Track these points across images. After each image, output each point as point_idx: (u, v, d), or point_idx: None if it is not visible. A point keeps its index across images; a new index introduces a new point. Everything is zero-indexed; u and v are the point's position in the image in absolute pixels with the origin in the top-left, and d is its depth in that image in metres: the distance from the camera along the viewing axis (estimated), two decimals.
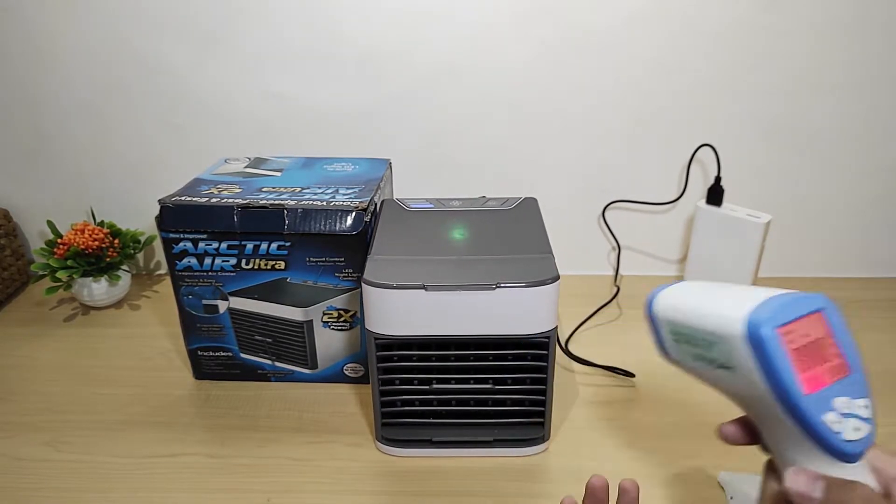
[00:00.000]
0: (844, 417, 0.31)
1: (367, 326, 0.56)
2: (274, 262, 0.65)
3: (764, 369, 0.31)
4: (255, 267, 0.65)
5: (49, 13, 0.81)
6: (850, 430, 0.31)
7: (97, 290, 0.85)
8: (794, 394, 0.30)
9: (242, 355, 0.71)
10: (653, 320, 0.38)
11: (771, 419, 0.32)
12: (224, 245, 0.64)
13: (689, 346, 0.36)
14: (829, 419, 0.31)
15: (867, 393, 0.32)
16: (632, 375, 0.69)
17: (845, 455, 0.31)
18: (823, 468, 0.31)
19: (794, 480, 0.32)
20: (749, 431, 0.36)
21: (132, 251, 0.89)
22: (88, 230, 0.84)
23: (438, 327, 0.55)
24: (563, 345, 0.76)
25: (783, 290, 0.33)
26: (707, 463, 0.59)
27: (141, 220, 0.91)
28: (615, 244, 0.93)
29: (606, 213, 0.91)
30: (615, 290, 0.89)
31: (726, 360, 0.33)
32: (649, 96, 0.84)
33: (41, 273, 0.82)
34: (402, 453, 0.61)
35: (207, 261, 0.65)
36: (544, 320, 0.55)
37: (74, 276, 0.82)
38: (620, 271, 0.94)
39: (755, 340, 0.31)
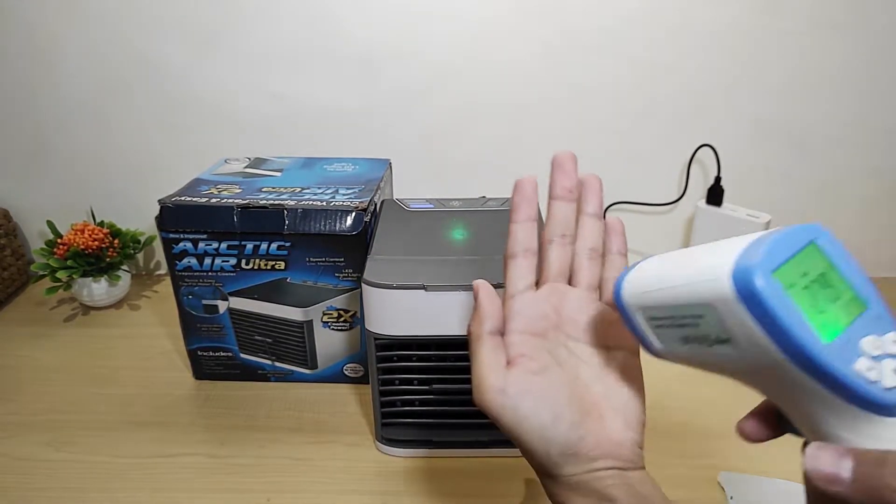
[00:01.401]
0: (878, 361, 0.25)
1: (366, 326, 0.56)
2: (274, 262, 0.65)
3: (768, 328, 0.25)
4: (255, 267, 0.65)
5: (49, 13, 0.81)
6: (890, 375, 0.25)
7: (97, 290, 0.85)
8: (812, 346, 0.24)
9: (242, 355, 0.71)
10: (625, 312, 0.33)
11: (794, 390, 0.26)
12: (224, 245, 0.64)
13: (673, 330, 0.30)
14: (862, 367, 0.25)
15: (894, 325, 0.26)
16: None
17: (893, 407, 0.25)
18: (871, 431, 0.25)
19: (814, 459, 0.25)
20: (771, 421, 0.30)
21: (132, 251, 0.89)
22: (88, 230, 0.84)
23: (438, 327, 0.55)
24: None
25: (763, 231, 0.28)
26: (707, 463, 0.59)
27: (141, 220, 0.91)
28: None
29: (607, 215, 0.91)
30: None
31: (721, 331, 0.27)
32: (649, 96, 0.84)
33: (41, 273, 0.82)
34: (402, 453, 0.61)
35: (207, 261, 0.65)
36: None
37: (74, 276, 0.82)
38: None
39: (748, 295, 0.25)
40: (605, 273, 0.40)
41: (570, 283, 0.40)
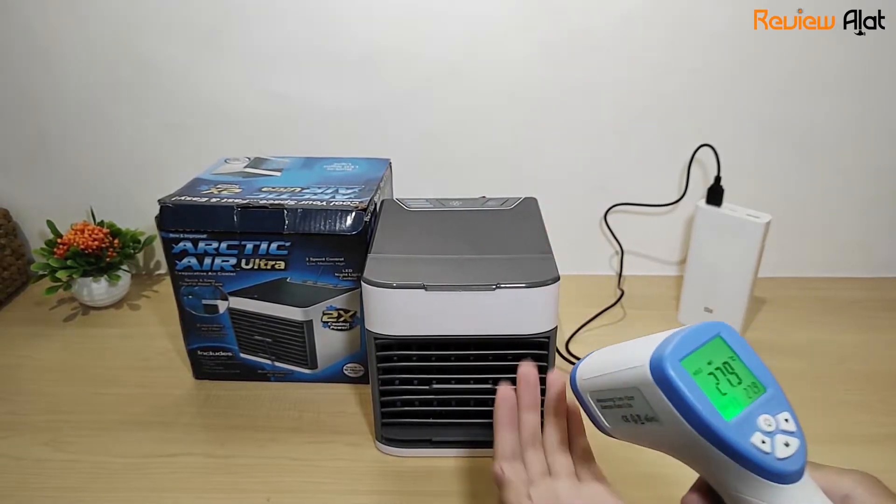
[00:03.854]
0: (771, 435, 0.30)
1: (367, 326, 0.56)
2: (274, 262, 0.65)
3: (678, 406, 0.30)
4: (255, 267, 0.65)
5: (49, 13, 0.81)
6: (780, 447, 0.30)
7: (97, 290, 0.85)
8: (716, 423, 0.29)
9: (242, 355, 0.71)
10: (578, 396, 0.38)
11: (710, 462, 0.31)
12: (224, 245, 0.64)
13: (615, 410, 0.35)
14: (757, 440, 0.30)
15: (787, 406, 0.31)
16: None
17: (784, 475, 0.30)
18: (774, 499, 0.30)
19: None
20: (707, 495, 0.34)
21: (132, 251, 0.89)
22: (88, 230, 0.84)
23: (438, 327, 0.55)
24: (564, 345, 0.76)
25: (680, 327, 0.32)
26: None
27: (141, 220, 0.91)
28: (618, 247, 0.93)
29: (608, 216, 0.91)
30: (619, 293, 0.89)
31: (648, 410, 0.32)
32: (649, 96, 0.84)
33: (41, 273, 0.82)
34: (402, 453, 0.61)
35: (207, 261, 0.65)
36: (544, 321, 0.55)
37: (74, 276, 0.82)
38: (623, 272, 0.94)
39: (661, 379, 0.30)
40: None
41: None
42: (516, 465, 0.43)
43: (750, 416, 0.30)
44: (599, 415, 0.37)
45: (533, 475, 0.43)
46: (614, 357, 0.35)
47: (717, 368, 0.31)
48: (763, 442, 0.30)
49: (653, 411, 0.32)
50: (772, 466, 0.29)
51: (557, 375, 0.46)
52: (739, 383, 0.31)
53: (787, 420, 0.31)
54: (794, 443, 0.30)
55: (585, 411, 0.38)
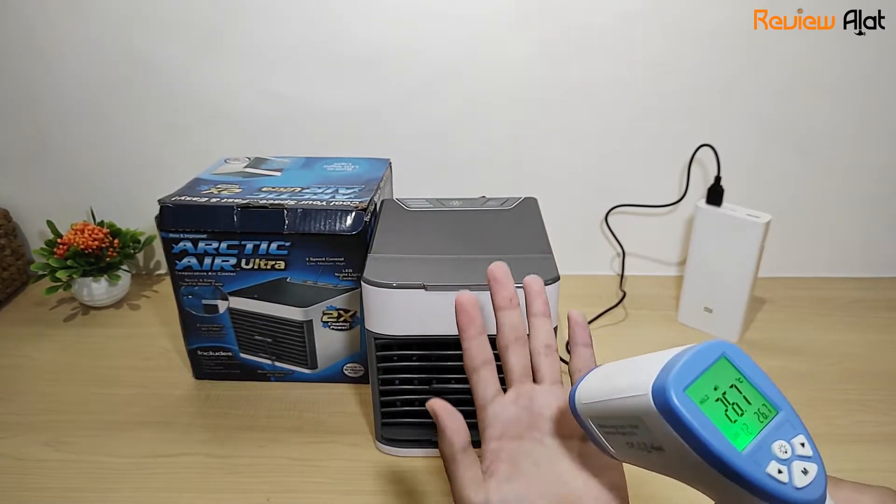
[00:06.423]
0: (787, 463, 0.28)
1: (366, 326, 0.56)
2: (274, 262, 0.65)
3: (686, 439, 0.28)
4: (255, 267, 0.65)
5: (49, 13, 0.81)
6: (798, 476, 0.28)
7: (97, 290, 0.85)
8: (728, 455, 0.27)
9: (242, 355, 0.71)
10: (579, 420, 0.35)
11: (724, 493, 0.29)
12: (224, 245, 0.64)
13: (619, 437, 0.33)
14: (773, 470, 0.27)
15: (802, 428, 0.29)
16: None
17: None
18: None
19: None
20: None
21: (132, 251, 0.89)
22: (88, 230, 0.84)
23: (438, 327, 0.55)
24: (564, 346, 0.76)
25: (682, 347, 0.30)
26: None
27: (141, 220, 0.91)
28: (619, 248, 0.93)
29: (609, 218, 0.91)
30: (621, 294, 0.89)
31: (653, 440, 0.30)
32: (649, 96, 0.84)
33: (41, 273, 0.82)
34: (402, 453, 0.61)
35: (207, 261, 0.65)
36: None
37: (74, 275, 0.82)
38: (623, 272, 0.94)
39: (666, 411, 0.28)
40: (572, 364, 0.42)
41: (534, 380, 0.41)
42: (489, 369, 0.40)
43: (763, 443, 0.28)
44: (603, 440, 0.34)
45: (512, 378, 0.40)
46: (614, 382, 0.32)
47: (724, 393, 0.29)
48: (780, 472, 0.27)
49: (658, 441, 0.30)
50: (791, 497, 0.27)
51: (534, 277, 0.43)
52: (750, 407, 0.29)
53: (803, 444, 0.29)
54: (813, 469, 0.28)
55: (587, 434, 0.35)
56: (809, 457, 0.29)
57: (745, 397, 0.29)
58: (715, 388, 0.29)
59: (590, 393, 0.34)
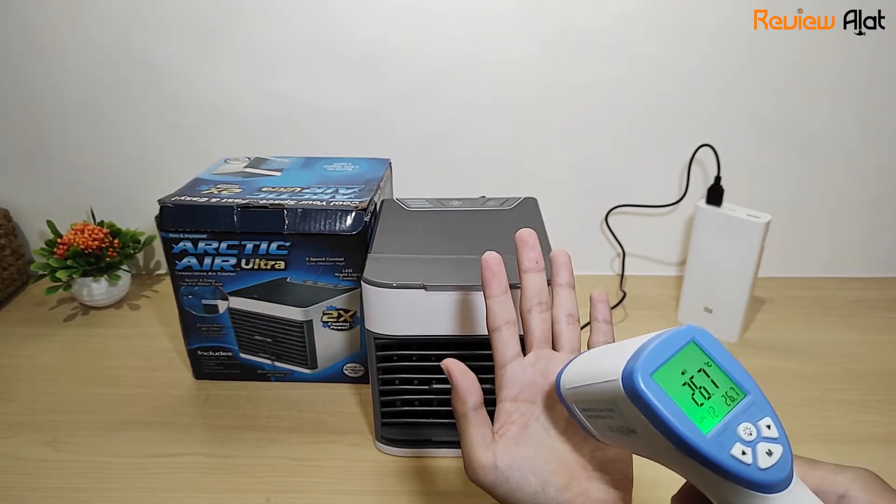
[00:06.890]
0: (751, 445, 0.28)
1: (366, 326, 0.56)
2: (274, 262, 0.65)
3: (654, 422, 0.29)
4: (255, 267, 0.65)
5: (49, 13, 0.81)
6: (763, 457, 0.28)
7: (97, 290, 0.85)
8: (692, 437, 0.28)
9: (242, 355, 0.71)
10: (565, 404, 0.36)
11: (694, 474, 0.30)
12: (224, 245, 0.64)
13: (600, 420, 0.34)
14: (737, 451, 0.28)
15: (769, 410, 0.30)
16: None
17: (769, 485, 0.28)
18: None
19: None
20: (697, 499, 0.32)
21: (132, 251, 0.89)
22: (88, 230, 0.84)
23: (438, 327, 0.55)
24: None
25: (652, 333, 0.31)
26: None
27: (141, 220, 0.91)
28: (619, 248, 0.93)
29: (609, 218, 0.91)
30: (621, 294, 0.89)
31: (627, 423, 0.31)
32: (649, 96, 0.84)
33: (41, 273, 0.82)
34: (402, 453, 0.61)
35: (207, 261, 0.65)
36: None
37: (74, 275, 0.82)
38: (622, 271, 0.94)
39: (634, 395, 0.29)
40: (592, 339, 0.42)
41: (553, 348, 0.41)
42: (511, 329, 0.40)
43: (729, 425, 0.29)
44: (587, 423, 0.35)
45: (532, 341, 0.40)
46: (592, 368, 0.33)
47: (692, 378, 0.30)
48: (744, 453, 0.28)
49: (632, 425, 0.31)
50: (754, 478, 0.28)
51: (560, 250, 0.43)
52: (717, 391, 0.30)
53: (769, 426, 0.29)
54: (778, 450, 0.29)
55: (573, 417, 0.36)
56: (775, 438, 0.29)
57: (712, 381, 0.30)
58: (683, 373, 0.30)
59: (573, 377, 0.35)
